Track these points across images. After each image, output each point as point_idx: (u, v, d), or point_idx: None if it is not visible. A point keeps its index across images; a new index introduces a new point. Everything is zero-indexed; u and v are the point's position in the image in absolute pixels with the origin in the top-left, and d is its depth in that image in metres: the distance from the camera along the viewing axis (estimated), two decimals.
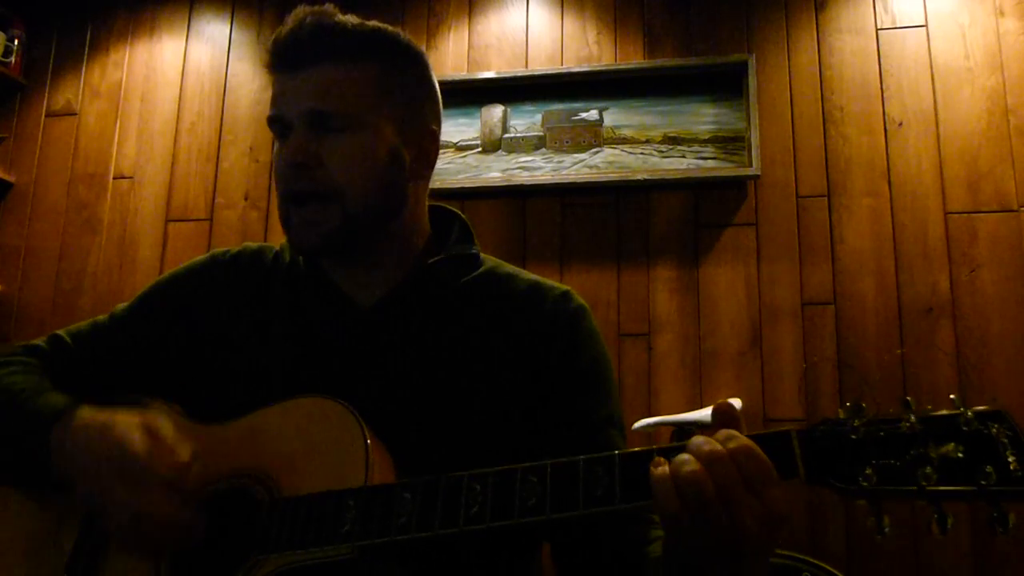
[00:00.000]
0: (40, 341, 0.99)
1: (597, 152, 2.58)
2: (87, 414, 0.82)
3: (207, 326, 0.96)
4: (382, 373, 0.88)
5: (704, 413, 2.09)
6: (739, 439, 0.61)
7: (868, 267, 2.36)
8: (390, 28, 0.92)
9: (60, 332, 1.00)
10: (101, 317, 1.02)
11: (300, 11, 0.88)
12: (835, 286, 2.37)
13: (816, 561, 1.99)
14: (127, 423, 0.78)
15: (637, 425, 2.08)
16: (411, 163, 0.92)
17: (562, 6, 2.74)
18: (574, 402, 0.88)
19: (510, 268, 0.99)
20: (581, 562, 0.85)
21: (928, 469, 0.56)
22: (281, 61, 0.88)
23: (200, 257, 1.03)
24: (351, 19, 0.89)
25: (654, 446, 0.66)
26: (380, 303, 0.92)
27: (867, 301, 2.34)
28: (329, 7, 0.89)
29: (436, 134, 0.95)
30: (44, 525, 0.86)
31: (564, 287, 0.96)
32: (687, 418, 2.06)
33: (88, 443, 0.78)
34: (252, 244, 1.04)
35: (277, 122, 0.89)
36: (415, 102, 0.92)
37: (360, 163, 0.86)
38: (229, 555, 0.75)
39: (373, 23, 0.90)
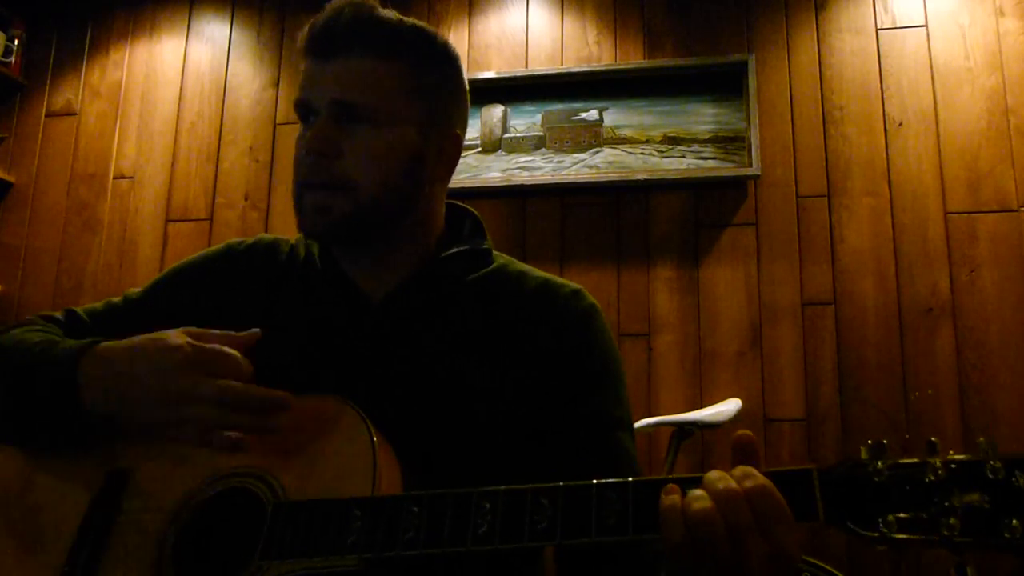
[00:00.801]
0: (58, 313, 0.99)
1: (597, 152, 2.58)
2: (112, 345, 0.83)
3: (218, 315, 0.95)
4: (390, 366, 0.88)
5: (704, 413, 2.09)
6: (756, 478, 0.59)
7: (868, 267, 2.36)
8: (428, 27, 0.91)
9: (76, 309, 1.00)
10: (115, 299, 1.02)
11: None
12: (835, 286, 2.37)
13: (816, 561, 1.99)
14: (166, 335, 0.80)
15: (637, 425, 2.08)
16: (431, 165, 0.91)
17: (562, 6, 2.74)
18: (584, 402, 0.88)
19: (521, 266, 0.99)
20: (588, 572, 0.84)
21: (952, 520, 0.54)
22: (315, 46, 0.88)
23: (216, 246, 1.03)
24: (390, 14, 0.89)
25: (671, 475, 0.65)
26: (390, 296, 0.92)
27: (867, 301, 2.34)
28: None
29: (459, 138, 0.95)
30: (29, 527, 0.86)
31: (575, 285, 0.96)
32: (687, 418, 2.06)
33: (136, 359, 0.79)
34: (267, 236, 1.04)
35: (303, 106, 0.89)
36: (442, 104, 0.92)
37: (379, 159, 0.86)
38: (232, 558, 0.74)
39: (411, 20, 0.90)
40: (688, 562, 0.59)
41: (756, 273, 2.42)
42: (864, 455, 0.59)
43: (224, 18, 2.96)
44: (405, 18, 0.90)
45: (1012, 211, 2.30)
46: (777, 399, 2.33)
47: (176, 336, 0.79)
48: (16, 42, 2.95)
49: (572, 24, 2.71)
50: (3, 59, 2.91)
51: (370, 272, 0.93)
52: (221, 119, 2.86)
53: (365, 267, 0.94)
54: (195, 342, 0.79)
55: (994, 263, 2.28)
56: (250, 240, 1.03)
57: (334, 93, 0.86)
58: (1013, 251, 2.27)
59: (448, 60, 0.93)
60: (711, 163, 2.50)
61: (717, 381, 2.37)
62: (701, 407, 2.25)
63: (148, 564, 0.78)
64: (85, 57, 3.02)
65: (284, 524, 0.73)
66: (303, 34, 0.89)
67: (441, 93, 0.92)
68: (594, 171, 2.56)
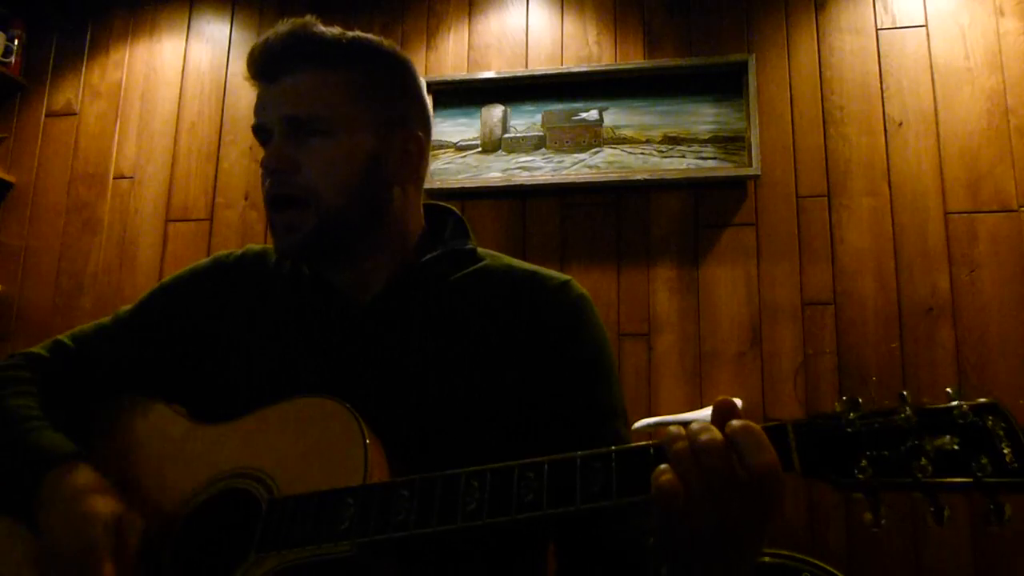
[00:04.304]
0: (41, 349, 0.99)
1: (597, 152, 2.58)
2: (80, 478, 0.84)
3: (209, 327, 0.97)
4: (378, 369, 0.89)
5: (704, 413, 2.09)
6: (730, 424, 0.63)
7: (868, 267, 2.36)
8: (372, 37, 0.93)
9: (62, 337, 1.01)
10: (104, 319, 1.03)
11: (279, 23, 0.90)
12: (835, 286, 2.37)
13: (816, 561, 1.99)
14: (95, 514, 0.79)
15: (637, 425, 2.08)
16: (392, 167, 0.92)
17: (562, 6, 2.74)
18: (577, 394, 0.88)
19: (508, 260, 0.99)
20: (582, 556, 0.84)
21: (923, 461, 0.56)
22: (258, 70, 0.91)
23: (204, 260, 1.05)
24: (329, 29, 0.91)
25: (650, 442, 0.67)
26: (375, 300, 0.92)
27: (867, 301, 2.34)
28: (309, 18, 0.90)
29: (421, 139, 0.96)
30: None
31: (565, 276, 0.96)
32: (687, 418, 2.06)
33: (62, 511, 0.81)
34: (255, 247, 1.05)
35: (260, 131, 0.91)
36: (395, 108, 0.93)
37: (335, 167, 0.88)
38: (229, 554, 0.75)
39: (353, 33, 0.92)
40: (680, 516, 0.61)
41: (756, 273, 2.42)
42: (838, 408, 0.62)
43: (224, 18, 2.96)
44: (347, 32, 0.91)
45: (1012, 211, 2.30)
46: (777, 399, 2.33)
47: (97, 518, 0.79)
48: (16, 42, 2.95)
49: (572, 24, 2.71)
50: (3, 59, 2.90)
51: (353, 278, 0.94)
52: (221, 119, 2.86)
53: (348, 274, 0.94)
54: (109, 536, 0.78)
55: (994, 263, 2.28)
56: (238, 252, 1.04)
57: (283, 110, 0.88)
58: (1013, 251, 2.27)
59: (397, 63, 0.94)
60: (711, 163, 2.50)
61: (717, 381, 2.37)
62: (701, 407, 2.25)
63: (149, 565, 0.78)
64: (85, 57, 3.02)
65: (279, 517, 0.74)
66: (246, 61, 0.91)
67: (393, 95, 0.93)
68: (594, 171, 2.56)
